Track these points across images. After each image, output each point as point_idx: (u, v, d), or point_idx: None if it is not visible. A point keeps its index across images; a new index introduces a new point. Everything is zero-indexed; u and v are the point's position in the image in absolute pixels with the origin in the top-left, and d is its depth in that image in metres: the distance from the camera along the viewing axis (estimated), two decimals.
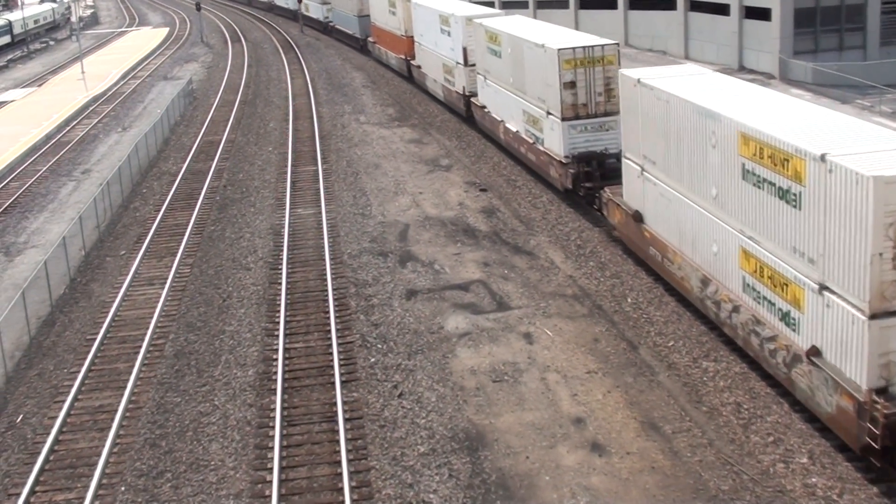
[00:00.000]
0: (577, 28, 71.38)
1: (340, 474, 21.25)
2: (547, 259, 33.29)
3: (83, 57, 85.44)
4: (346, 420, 23.44)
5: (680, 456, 21.29)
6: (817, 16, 59.59)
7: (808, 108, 24.72)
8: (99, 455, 22.76)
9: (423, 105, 61.41)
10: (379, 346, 27.55)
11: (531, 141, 41.19)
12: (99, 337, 29.02)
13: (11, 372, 27.73)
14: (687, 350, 26.00)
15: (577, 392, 24.23)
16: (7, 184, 48.89)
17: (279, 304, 30.55)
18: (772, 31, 59.20)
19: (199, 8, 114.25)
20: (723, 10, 64.16)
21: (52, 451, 23.16)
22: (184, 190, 45.12)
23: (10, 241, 39.58)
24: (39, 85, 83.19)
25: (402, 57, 68.97)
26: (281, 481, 21.22)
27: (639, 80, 29.36)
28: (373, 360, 26.72)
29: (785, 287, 21.88)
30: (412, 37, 65.20)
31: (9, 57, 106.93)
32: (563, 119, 37.08)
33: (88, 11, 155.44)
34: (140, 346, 28.31)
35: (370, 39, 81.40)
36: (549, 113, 38.26)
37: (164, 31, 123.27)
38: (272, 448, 22.50)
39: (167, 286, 32.64)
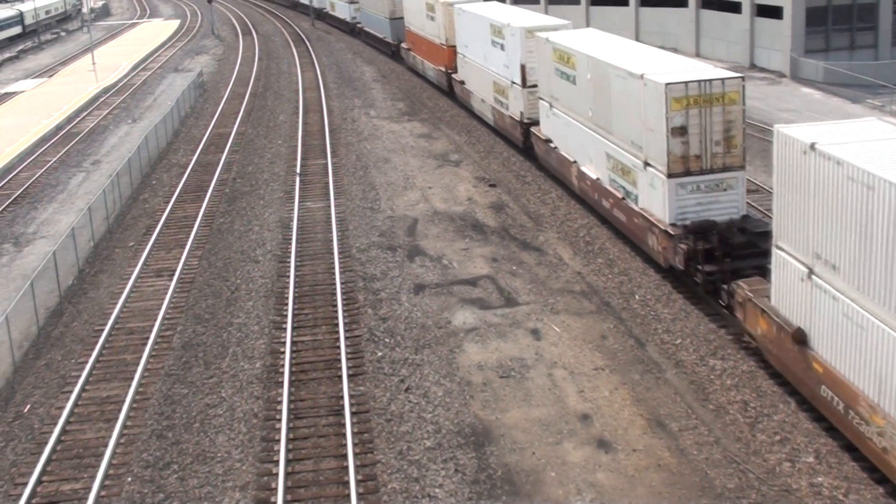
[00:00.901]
0: (587, 24, 71.31)
1: (346, 468, 21.27)
2: (555, 255, 33.27)
3: (94, 48, 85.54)
4: (352, 414, 23.45)
5: (686, 454, 21.27)
6: (829, 14, 59.44)
7: None
8: (106, 446, 22.81)
9: (433, 100, 61.35)
10: (386, 340, 27.57)
11: (619, 195, 32.75)
12: (107, 328, 29.07)
13: (19, 362, 27.80)
14: (694, 348, 25.96)
15: (583, 388, 24.22)
16: (17, 174, 48.99)
17: (287, 297, 30.57)
18: (783, 30, 59.08)
19: (210, 0, 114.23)
20: (735, 7, 64.02)
21: (59, 441, 23.21)
22: (193, 182, 45.17)
23: (19, 232, 39.67)
24: (50, 76, 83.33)
25: (442, 69, 60.44)
26: (287, 474, 21.25)
27: (813, 146, 20.60)
28: (380, 354, 26.74)
29: None
30: (454, 47, 57.09)
31: (20, 48, 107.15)
32: (670, 175, 28.70)
33: (100, 3, 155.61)
34: (148, 338, 28.36)
35: (404, 45, 73.28)
36: (647, 164, 30.04)
37: (175, 23, 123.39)
38: (278, 441, 22.53)
39: (175, 278, 32.68)
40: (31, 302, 30.05)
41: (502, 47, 45.84)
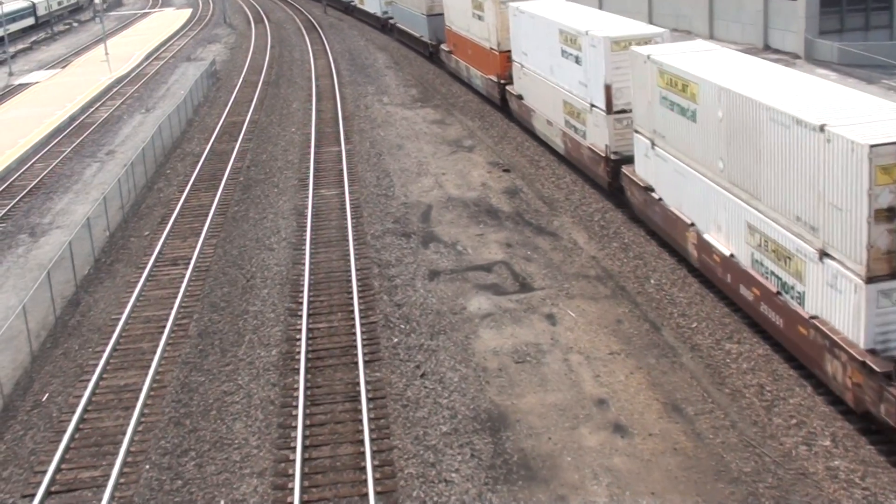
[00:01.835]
0: (601, 7, 70.98)
1: (363, 453, 21.34)
2: (570, 240, 33.23)
3: (106, 38, 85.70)
4: (368, 400, 23.52)
5: (702, 438, 21.26)
6: None
7: None
8: (124, 433, 22.94)
9: (447, 86, 61.26)
10: (402, 326, 27.61)
11: (771, 288, 23.79)
12: (123, 317, 29.20)
13: (37, 351, 27.96)
14: (710, 332, 25.92)
15: (599, 373, 24.22)
16: (32, 165, 49.17)
17: (302, 285, 30.64)
18: (798, 11, 58.63)
19: None
20: None
21: (77, 429, 23.35)
22: (207, 171, 45.26)
23: (35, 222, 39.84)
24: (63, 67, 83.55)
25: (493, 78, 51.59)
26: (304, 460, 21.33)
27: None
28: (395, 340, 26.78)
29: None
30: (507, 52, 48.58)
31: (33, 39, 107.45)
32: (871, 279, 19.73)
33: None
34: (164, 326, 28.46)
35: (444, 47, 64.13)
36: (825, 255, 21.14)
37: (188, 12, 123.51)
38: (295, 427, 22.60)
39: (191, 266, 32.79)
40: (48, 292, 30.20)
41: (577, 60, 37.06)
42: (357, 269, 31.58)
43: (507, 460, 20.92)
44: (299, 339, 27.01)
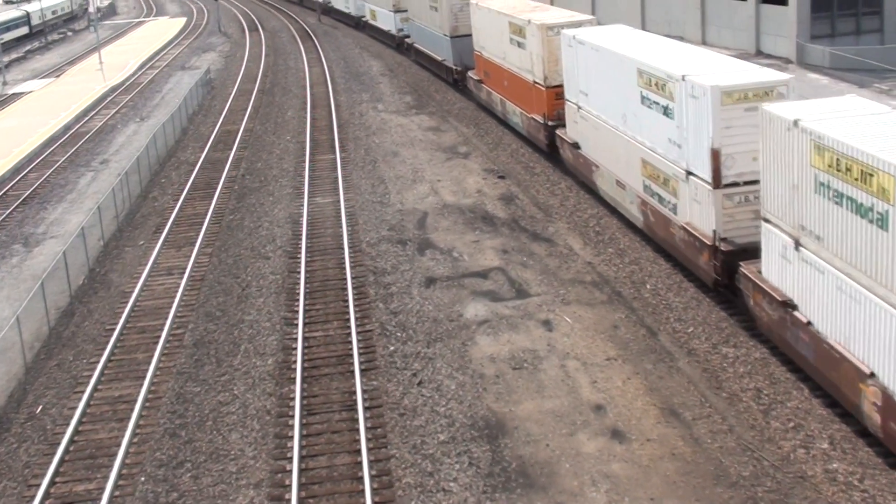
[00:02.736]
0: (593, 13, 71.02)
1: (360, 463, 21.24)
2: (566, 246, 33.18)
3: (101, 47, 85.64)
4: (365, 409, 23.43)
5: (700, 442, 21.20)
6: (834, 0, 59.11)
7: None
8: (119, 445, 22.83)
9: (441, 93, 61.26)
10: (398, 334, 27.53)
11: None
12: (118, 327, 29.09)
13: (31, 362, 27.84)
14: (706, 336, 25.88)
15: (596, 379, 24.16)
16: (26, 175, 49.06)
17: (298, 293, 30.56)
18: (789, 16, 58.69)
19: None
20: None
21: (71, 441, 23.24)
22: (202, 179, 45.19)
23: (29, 232, 39.73)
24: (57, 76, 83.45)
25: (538, 119, 42.76)
26: (301, 470, 21.24)
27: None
28: (392, 348, 26.71)
29: None
30: (557, 88, 40.21)
31: (27, 48, 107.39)
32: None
33: (106, 2, 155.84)
34: (159, 336, 28.36)
35: (472, 75, 55.43)
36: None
37: (182, 20, 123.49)
38: (292, 437, 22.51)
39: (186, 276, 32.69)
40: (42, 302, 30.10)
41: (666, 111, 28.60)
42: (353, 277, 31.51)
43: (506, 468, 20.84)
44: (295, 348, 26.92)
